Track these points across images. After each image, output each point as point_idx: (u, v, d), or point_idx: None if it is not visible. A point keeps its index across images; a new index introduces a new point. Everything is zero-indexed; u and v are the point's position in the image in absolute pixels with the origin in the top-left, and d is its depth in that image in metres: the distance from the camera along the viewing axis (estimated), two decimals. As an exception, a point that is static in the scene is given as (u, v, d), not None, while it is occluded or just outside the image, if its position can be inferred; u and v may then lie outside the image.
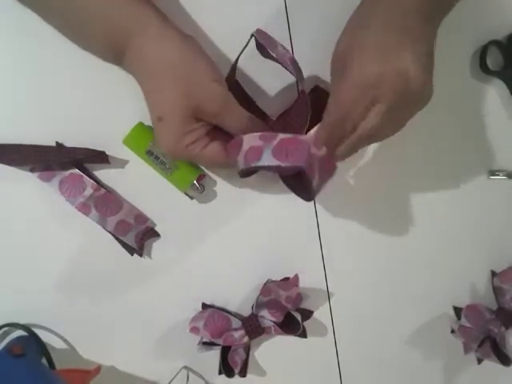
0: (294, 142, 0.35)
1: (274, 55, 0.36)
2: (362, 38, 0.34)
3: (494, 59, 0.44)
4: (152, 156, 0.41)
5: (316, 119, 0.38)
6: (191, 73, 0.34)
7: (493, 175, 0.47)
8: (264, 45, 0.36)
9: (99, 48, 0.35)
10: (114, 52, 0.35)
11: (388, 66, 0.33)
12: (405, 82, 0.33)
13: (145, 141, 0.41)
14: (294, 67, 0.38)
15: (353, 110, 0.34)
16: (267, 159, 0.34)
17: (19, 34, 0.40)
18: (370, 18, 0.34)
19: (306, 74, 0.41)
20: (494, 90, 0.45)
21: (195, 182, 0.42)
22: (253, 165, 0.35)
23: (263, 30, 0.37)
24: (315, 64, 0.42)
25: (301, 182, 0.38)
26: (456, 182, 0.47)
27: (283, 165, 0.34)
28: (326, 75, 0.41)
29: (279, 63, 0.37)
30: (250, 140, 0.36)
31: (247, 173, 0.39)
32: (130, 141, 0.41)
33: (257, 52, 0.38)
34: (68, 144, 0.42)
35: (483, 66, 0.44)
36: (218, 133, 0.38)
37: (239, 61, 0.39)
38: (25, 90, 0.41)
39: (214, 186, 0.45)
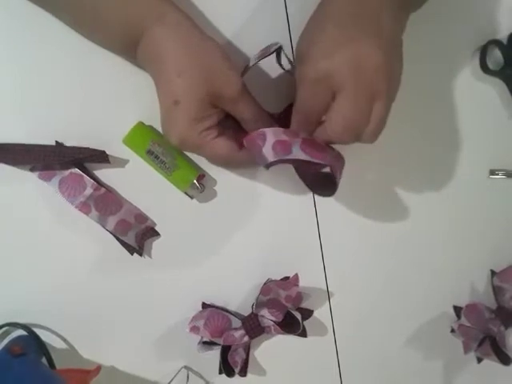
0: (316, 142, 0.36)
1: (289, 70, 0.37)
2: (314, 35, 0.35)
3: (494, 59, 0.44)
4: (152, 155, 0.41)
5: None
6: (209, 59, 0.35)
7: (493, 175, 0.47)
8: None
9: (113, 38, 0.36)
10: (129, 41, 0.35)
11: (338, 55, 0.33)
12: (356, 68, 0.33)
13: (145, 140, 0.41)
14: None
15: (314, 104, 0.35)
16: (298, 153, 0.35)
17: (20, 33, 0.40)
18: (325, 16, 0.35)
19: None
20: (494, 90, 0.45)
21: (195, 181, 0.42)
22: (285, 157, 0.35)
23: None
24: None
25: (320, 179, 0.39)
26: (456, 182, 0.47)
27: (314, 160, 0.35)
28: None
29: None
30: (275, 134, 0.36)
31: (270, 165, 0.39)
32: (130, 140, 0.41)
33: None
34: (68, 144, 0.42)
35: (483, 66, 0.44)
36: (227, 127, 0.38)
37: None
38: (25, 90, 0.41)
39: (214, 185, 0.45)
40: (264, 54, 0.37)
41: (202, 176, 0.43)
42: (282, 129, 0.36)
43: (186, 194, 0.43)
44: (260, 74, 0.43)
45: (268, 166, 0.37)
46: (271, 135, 0.36)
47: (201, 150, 0.38)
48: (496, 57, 0.44)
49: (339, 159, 0.39)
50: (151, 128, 0.42)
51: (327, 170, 0.37)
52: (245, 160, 0.39)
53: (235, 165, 0.41)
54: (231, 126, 0.39)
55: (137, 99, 0.39)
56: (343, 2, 0.34)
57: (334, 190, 0.39)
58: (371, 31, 0.33)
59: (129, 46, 0.36)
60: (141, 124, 0.41)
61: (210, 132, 0.37)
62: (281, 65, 0.39)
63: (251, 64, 0.38)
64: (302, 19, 0.42)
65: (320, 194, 0.45)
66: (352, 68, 0.33)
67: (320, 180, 0.42)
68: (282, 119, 0.41)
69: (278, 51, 0.38)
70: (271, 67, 0.39)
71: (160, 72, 0.35)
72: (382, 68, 0.33)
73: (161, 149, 0.41)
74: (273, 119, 0.41)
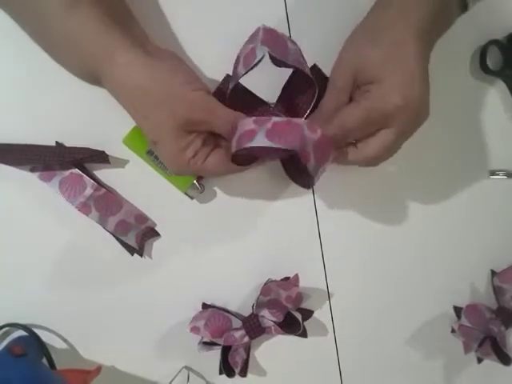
0: (288, 125, 0.35)
1: (289, 63, 0.36)
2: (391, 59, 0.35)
3: (494, 59, 0.44)
4: (152, 156, 0.41)
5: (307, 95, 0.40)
6: (168, 91, 0.34)
7: (493, 175, 0.47)
8: (276, 56, 0.36)
9: (76, 72, 0.35)
10: (91, 77, 0.35)
11: (410, 98, 0.34)
12: (417, 113, 0.35)
13: (144, 141, 0.41)
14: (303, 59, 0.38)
15: (358, 128, 0.36)
16: (260, 141, 0.34)
17: (20, 34, 0.40)
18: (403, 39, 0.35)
19: None
20: (493, 90, 0.45)
21: (195, 181, 0.42)
22: (244, 146, 0.35)
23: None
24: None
25: (299, 168, 0.38)
26: (456, 182, 0.47)
27: (275, 146, 0.34)
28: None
29: (294, 67, 0.37)
30: (245, 125, 0.36)
31: (242, 159, 0.39)
32: (130, 141, 0.41)
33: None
34: (68, 144, 0.42)
35: (483, 66, 0.44)
36: (217, 139, 0.38)
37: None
38: (25, 90, 0.41)
39: (214, 185, 0.45)
40: (251, 40, 0.36)
41: (201, 176, 0.43)
42: (253, 118, 0.36)
43: (185, 194, 0.43)
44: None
45: (235, 158, 0.37)
46: (241, 127, 0.36)
47: (199, 173, 0.39)
48: (496, 57, 0.44)
49: (321, 148, 0.36)
50: None
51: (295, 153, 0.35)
52: (241, 168, 0.39)
53: (235, 172, 0.40)
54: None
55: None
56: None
57: (308, 179, 0.38)
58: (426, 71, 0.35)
59: (94, 80, 0.35)
60: None
61: (199, 157, 0.37)
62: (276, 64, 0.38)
63: (240, 76, 0.37)
64: (302, 19, 0.42)
65: (301, 185, 0.43)
66: (414, 110, 0.35)
67: (298, 169, 0.41)
68: (278, 107, 0.41)
69: (269, 55, 0.36)
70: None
71: (128, 112, 0.35)
72: (425, 114, 0.36)
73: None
74: (271, 112, 0.41)
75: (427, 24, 0.35)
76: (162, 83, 0.34)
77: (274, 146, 0.34)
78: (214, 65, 0.42)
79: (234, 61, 0.38)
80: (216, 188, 0.45)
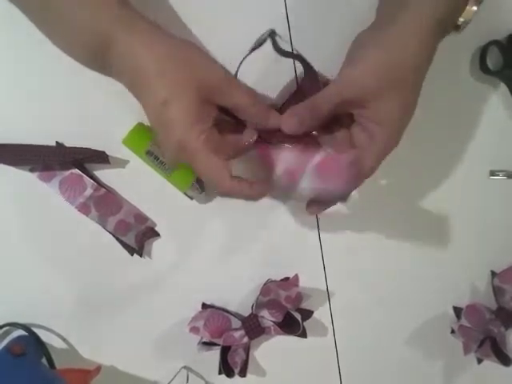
0: (333, 164, 0.34)
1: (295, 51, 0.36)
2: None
3: (494, 59, 0.44)
4: (152, 156, 0.41)
5: None
6: (191, 56, 0.34)
7: (493, 175, 0.47)
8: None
9: (78, 44, 0.34)
10: (94, 49, 0.33)
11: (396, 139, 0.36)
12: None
13: (144, 141, 0.41)
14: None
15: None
16: (307, 183, 0.34)
17: (19, 33, 0.40)
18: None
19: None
20: (494, 90, 0.45)
21: (195, 182, 0.42)
22: (292, 189, 0.35)
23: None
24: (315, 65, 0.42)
25: None
26: (456, 182, 0.47)
27: (324, 189, 0.34)
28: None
29: (299, 59, 0.37)
30: (287, 159, 0.35)
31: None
32: (130, 141, 0.41)
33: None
34: (68, 144, 0.42)
35: (483, 66, 0.44)
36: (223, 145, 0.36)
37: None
38: (25, 90, 0.41)
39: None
40: (257, 43, 0.36)
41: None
42: (296, 152, 0.35)
43: (185, 194, 0.43)
44: (256, 67, 0.42)
45: (277, 193, 0.37)
46: (282, 161, 0.35)
47: (196, 160, 0.35)
48: (496, 57, 0.44)
49: (352, 172, 0.36)
50: (151, 129, 0.42)
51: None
52: (235, 190, 0.36)
53: (223, 191, 0.37)
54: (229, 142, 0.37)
55: (137, 100, 0.38)
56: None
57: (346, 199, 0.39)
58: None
59: (95, 54, 0.34)
60: (140, 125, 0.41)
61: (209, 141, 0.34)
62: (279, 50, 0.37)
63: (244, 56, 0.37)
64: (302, 19, 0.42)
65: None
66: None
67: None
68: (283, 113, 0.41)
69: (272, 37, 0.36)
70: (266, 58, 0.39)
71: (140, 78, 0.33)
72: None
73: (160, 150, 0.41)
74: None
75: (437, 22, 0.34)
76: (181, 47, 0.34)
77: (321, 188, 0.34)
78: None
79: (232, 62, 0.38)
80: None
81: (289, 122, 0.36)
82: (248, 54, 0.37)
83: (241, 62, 0.38)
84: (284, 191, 0.36)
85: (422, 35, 0.34)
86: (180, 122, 0.33)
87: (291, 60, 0.42)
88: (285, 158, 0.35)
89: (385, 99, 0.34)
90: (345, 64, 0.38)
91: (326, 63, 0.39)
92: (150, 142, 0.41)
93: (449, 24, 0.36)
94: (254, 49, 0.36)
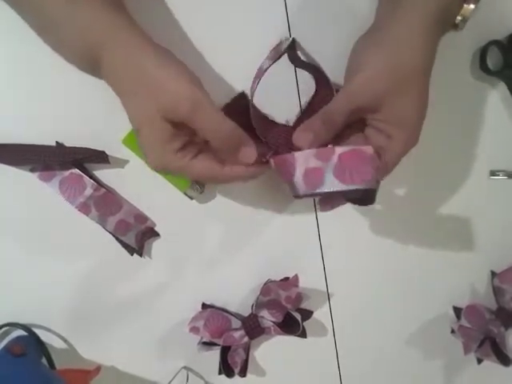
0: (356, 157, 0.32)
1: (310, 62, 0.35)
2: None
3: (494, 59, 0.44)
4: None
5: None
6: (160, 78, 0.32)
7: (493, 175, 0.47)
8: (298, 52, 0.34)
9: (77, 61, 0.35)
10: (91, 65, 0.34)
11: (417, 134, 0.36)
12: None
13: None
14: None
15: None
16: (331, 184, 0.32)
17: (19, 33, 0.40)
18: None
19: (308, 86, 0.40)
20: (494, 90, 0.45)
21: (194, 182, 0.42)
22: (317, 191, 0.32)
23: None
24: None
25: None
26: (456, 182, 0.47)
27: (350, 188, 0.31)
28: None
29: (316, 72, 0.36)
30: (305, 159, 0.33)
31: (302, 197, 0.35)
32: (129, 141, 0.41)
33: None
34: (68, 144, 0.42)
35: (483, 66, 0.44)
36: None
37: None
38: (25, 90, 0.41)
39: (214, 186, 0.45)
40: (277, 52, 0.34)
41: None
42: (313, 150, 0.32)
43: (185, 194, 0.43)
44: (268, 79, 0.39)
45: (300, 197, 0.34)
46: (300, 162, 0.32)
47: (183, 172, 0.35)
48: (496, 57, 0.44)
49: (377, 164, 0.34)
50: None
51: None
52: (232, 177, 0.36)
53: (222, 182, 0.38)
54: None
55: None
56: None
57: (372, 200, 0.36)
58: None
59: (93, 69, 0.34)
60: None
61: (187, 152, 0.34)
62: (296, 60, 0.36)
63: (265, 67, 0.35)
64: (302, 19, 0.42)
65: (363, 204, 0.39)
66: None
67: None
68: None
69: (292, 46, 0.35)
70: (279, 71, 0.38)
71: (120, 99, 0.34)
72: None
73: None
74: (286, 131, 0.38)
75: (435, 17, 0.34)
76: (155, 67, 0.32)
77: (348, 188, 0.31)
78: (212, 70, 0.41)
79: (231, 67, 0.38)
80: (216, 189, 0.45)
81: (303, 138, 0.35)
82: (268, 67, 0.35)
83: (259, 78, 0.36)
84: (306, 195, 0.33)
85: (420, 32, 0.34)
86: (154, 146, 0.34)
87: (292, 70, 0.41)
88: (302, 158, 0.33)
89: (397, 100, 0.34)
90: (349, 70, 0.37)
91: (327, 67, 0.39)
92: None
93: (446, 21, 0.36)
94: (274, 60, 0.34)
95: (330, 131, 0.35)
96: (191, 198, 0.44)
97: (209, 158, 0.35)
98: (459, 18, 0.36)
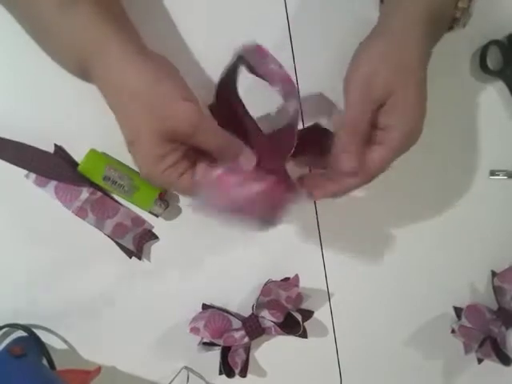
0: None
1: (260, 72, 0.34)
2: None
3: (494, 59, 0.44)
4: (109, 181, 0.41)
5: (312, 152, 0.39)
6: (156, 96, 0.32)
7: (493, 175, 0.47)
8: (250, 61, 0.34)
9: (70, 68, 0.34)
10: (84, 76, 0.34)
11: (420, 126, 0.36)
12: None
13: (100, 167, 0.40)
14: (287, 87, 0.35)
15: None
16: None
17: (19, 33, 0.40)
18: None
19: (309, 91, 0.40)
20: (494, 90, 0.45)
21: (157, 199, 0.42)
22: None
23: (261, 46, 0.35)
24: (318, 82, 0.42)
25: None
26: (456, 182, 0.47)
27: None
28: (329, 94, 0.42)
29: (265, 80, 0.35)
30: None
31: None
32: (85, 169, 0.40)
33: None
34: (68, 145, 0.42)
35: (483, 66, 0.44)
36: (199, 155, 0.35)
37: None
38: (25, 90, 0.41)
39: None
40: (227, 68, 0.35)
41: (163, 194, 0.42)
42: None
43: (150, 213, 0.43)
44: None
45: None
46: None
47: (171, 188, 0.35)
48: (496, 57, 0.44)
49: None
50: (104, 154, 0.42)
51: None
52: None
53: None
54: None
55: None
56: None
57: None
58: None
59: (85, 77, 0.34)
60: (93, 152, 0.41)
61: (176, 168, 0.34)
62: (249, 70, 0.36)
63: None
64: (302, 19, 0.42)
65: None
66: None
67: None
68: (266, 144, 0.38)
69: (240, 62, 0.34)
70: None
71: (112, 110, 0.34)
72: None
73: (117, 173, 0.41)
74: (257, 139, 0.38)
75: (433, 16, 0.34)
76: (151, 85, 0.32)
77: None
78: (211, 71, 0.41)
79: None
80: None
81: (348, 162, 0.36)
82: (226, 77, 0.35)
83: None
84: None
85: (416, 26, 0.34)
86: (144, 160, 0.34)
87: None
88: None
89: (399, 91, 0.34)
90: (352, 67, 0.37)
91: (327, 67, 0.39)
92: (105, 166, 0.40)
93: (444, 18, 0.36)
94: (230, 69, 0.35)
95: (362, 139, 0.36)
96: (157, 216, 0.43)
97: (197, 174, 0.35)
98: (458, 11, 0.36)
